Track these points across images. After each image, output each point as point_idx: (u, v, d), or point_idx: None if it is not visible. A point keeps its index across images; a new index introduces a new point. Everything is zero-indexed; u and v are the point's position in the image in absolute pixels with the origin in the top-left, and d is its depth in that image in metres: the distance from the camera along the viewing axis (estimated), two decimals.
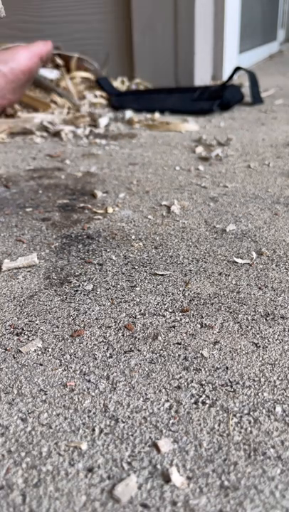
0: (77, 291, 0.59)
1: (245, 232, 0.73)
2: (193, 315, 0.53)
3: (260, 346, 0.48)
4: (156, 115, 1.53)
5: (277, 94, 1.91)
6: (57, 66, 1.73)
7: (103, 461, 0.36)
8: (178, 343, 0.48)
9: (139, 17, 1.92)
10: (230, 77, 1.73)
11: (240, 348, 0.47)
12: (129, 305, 0.55)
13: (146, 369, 0.45)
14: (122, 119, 1.51)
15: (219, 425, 0.38)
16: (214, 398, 0.41)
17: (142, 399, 0.41)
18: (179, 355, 0.47)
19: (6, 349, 0.48)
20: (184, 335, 0.50)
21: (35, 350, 0.48)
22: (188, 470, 0.35)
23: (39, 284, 0.60)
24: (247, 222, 0.76)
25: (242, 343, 0.48)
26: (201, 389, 0.42)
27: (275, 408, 0.40)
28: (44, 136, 1.36)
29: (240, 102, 1.69)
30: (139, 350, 0.48)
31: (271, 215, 0.78)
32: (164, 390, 0.42)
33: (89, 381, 0.44)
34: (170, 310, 0.54)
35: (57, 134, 1.36)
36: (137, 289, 0.59)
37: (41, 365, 0.46)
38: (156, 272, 0.62)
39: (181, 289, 0.58)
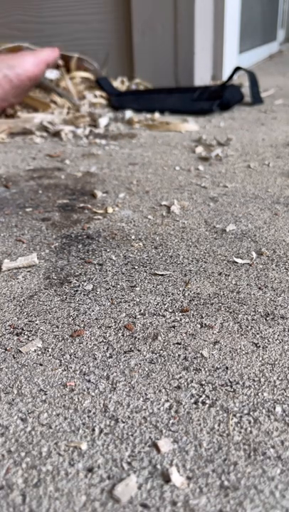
0: (77, 291, 0.59)
1: (245, 232, 0.73)
2: (193, 315, 0.53)
3: (260, 346, 0.48)
4: (156, 115, 1.53)
5: (277, 94, 1.91)
6: (57, 66, 1.73)
7: (103, 461, 0.36)
8: (178, 343, 0.48)
9: (139, 17, 1.92)
10: (230, 77, 1.73)
11: (240, 348, 0.47)
12: (129, 305, 0.55)
13: (146, 369, 0.45)
14: (122, 119, 1.51)
15: (219, 425, 0.38)
16: (214, 398, 0.41)
17: (141, 399, 0.41)
18: (179, 355, 0.47)
19: (6, 349, 0.48)
20: (184, 335, 0.50)
21: (35, 350, 0.48)
22: (188, 470, 0.35)
23: (39, 284, 0.60)
24: (247, 222, 0.76)
25: (242, 343, 0.48)
26: (201, 389, 0.42)
27: (275, 408, 0.40)
28: (44, 136, 1.36)
29: (240, 102, 1.69)
30: (139, 350, 0.48)
31: (271, 215, 0.78)
32: (164, 390, 0.42)
33: (89, 381, 0.44)
34: (170, 310, 0.54)
35: (57, 134, 1.36)
36: (137, 289, 0.59)
37: (41, 365, 0.46)
38: (156, 272, 0.62)
39: (181, 289, 0.58)
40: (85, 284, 0.60)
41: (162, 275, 0.62)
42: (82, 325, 0.52)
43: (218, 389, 0.42)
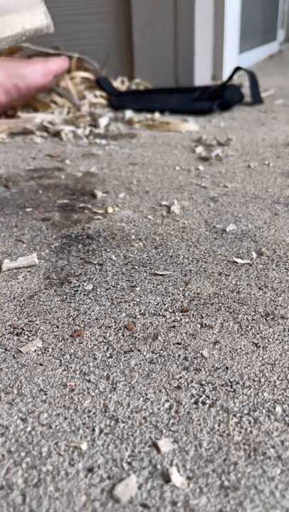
0: (77, 291, 0.59)
1: (245, 232, 0.73)
2: (193, 315, 0.53)
3: (260, 346, 0.48)
4: (156, 115, 1.53)
5: (277, 94, 1.91)
6: None
7: (103, 461, 0.36)
8: (178, 343, 0.48)
9: (139, 17, 1.92)
10: (230, 77, 1.73)
11: (240, 348, 0.47)
12: (129, 305, 0.55)
13: (146, 369, 0.45)
14: (122, 119, 1.51)
15: (219, 425, 0.38)
16: (214, 398, 0.41)
17: (142, 399, 0.41)
18: (179, 355, 0.47)
19: (6, 349, 0.48)
20: (184, 335, 0.50)
21: (35, 350, 0.48)
22: (188, 470, 0.35)
23: (39, 284, 0.60)
24: (247, 222, 0.76)
25: (242, 343, 0.48)
26: (201, 389, 0.42)
27: (275, 408, 0.40)
28: (44, 136, 1.36)
29: (240, 102, 1.69)
30: (139, 350, 0.48)
31: (271, 215, 0.78)
32: (164, 390, 0.42)
33: (89, 381, 0.44)
34: (170, 310, 0.54)
35: (57, 134, 1.36)
36: (137, 289, 0.59)
37: (41, 365, 0.46)
38: (156, 271, 0.62)
39: (181, 289, 0.58)
40: (85, 284, 0.60)
41: (162, 275, 0.62)
42: (82, 325, 0.52)
43: (218, 389, 0.42)
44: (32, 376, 0.45)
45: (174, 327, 0.51)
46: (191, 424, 0.39)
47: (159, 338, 0.49)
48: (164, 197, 0.88)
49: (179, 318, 0.53)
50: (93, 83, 1.78)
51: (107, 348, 0.48)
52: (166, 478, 0.34)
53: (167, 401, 0.41)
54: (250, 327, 0.51)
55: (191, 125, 1.41)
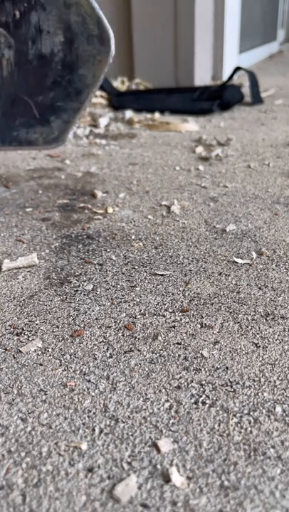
0: (77, 291, 0.59)
1: (245, 232, 0.73)
2: (193, 315, 0.53)
3: (260, 346, 0.48)
4: (156, 115, 1.53)
5: (277, 94, 1.91)
6: None
7: (103, 461, 0.36)
8: (178, 343, 0.48)
9: (139, 17, 1.92)
10: (230, 77, 1.73)
11: (240, 348, 0.47)
12: (129, 305, 0.55)
13: (146, 369, 0.45)
14: (122, 119, 1.51)
15: (219, 425, 0.38)
16: (214, 398, 0.41)
17: (142, 399, 0.41)
18: (179, 355, 0.47)
19: (6, 349, 0.48)
20: (184, 335, 0.50)
21: (35, 350, 0.48)
22: (188, 470, 0.35)
23: (39, 284, 0.60)
24: (247, 222, 0.76)
25: (242, 343, 0.48)
26: (201, 389, 0.42)
27: (275, 408, 0.40)
28: None
29: (240, 102, 1.69)
30: (139, 350, 0.48)
31: (271, 215, 0.78)
32: (164, 390, 0.42)
33: (89, 381, 0.44)
34: (170, 310, 0.54)
35: None
36: (137, 289, 0.59)
37: (41, 365, 0.46)
38: (156, 271, 0.62)
39: (181, 289, 0.58)
40: (85, 284, 0.60)
41: (162, 275, 0.62)
42: (82, 325, 0.52)
43: (218, 389, 0.42)
44: (32, 376, 0.45)
45: (174, 327, 0.51)
46: (191, 424, 0.39)
47: (159, 338, 0.49)
48: (164, 197, 0.88)
49: (179, 318, 0.53)
50: None
51: (107, 348, 0.48)
52: (166, 478, 0.34)
53: (167, 401, 0.41)
54: (250, 327, 0.51)
55: (191, 125, 1.41)
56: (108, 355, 0.47)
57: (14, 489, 0.34)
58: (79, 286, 0.60)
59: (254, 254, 0.65)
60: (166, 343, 0.48)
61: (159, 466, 0.35)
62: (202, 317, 0.53)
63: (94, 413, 0.40)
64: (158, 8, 1.88)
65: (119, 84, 1.91)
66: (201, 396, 0.41)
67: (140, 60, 1.99)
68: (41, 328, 0.52)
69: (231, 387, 0.42)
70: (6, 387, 0.43)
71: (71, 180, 0.99)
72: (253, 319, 0.52)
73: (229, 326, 0.51)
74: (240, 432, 0.38)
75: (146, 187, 0.93)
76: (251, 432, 0.38)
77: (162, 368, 0.45)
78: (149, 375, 0.44)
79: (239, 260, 0.64)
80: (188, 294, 0.57)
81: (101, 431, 0.38)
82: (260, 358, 0.46)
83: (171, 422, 0.39)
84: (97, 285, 0.60)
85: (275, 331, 0.50)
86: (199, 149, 1.17)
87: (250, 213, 0.79)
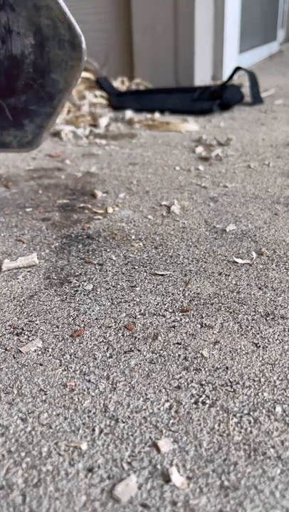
0: (77, 291, 0.59)
1: (245, 232, 0.73)
2: (193, 315, 0.53)
3: (260, 346, 0.48)
4: (156, 115, 1.53)
5: (277, 94, 1.91)
6: None
7: (103, 461, 0.36)
8: (178, 343, 0.48)
9: (139, 17, 1.92)
10: (230, 77, 1.73)
11: (240, 348, 0.47)
12: (129, 305, 0.55)
13: (146, 369, 0.45)
14: (122, 119, 1.51)
15: (219, 425, 0.38)
16: (214, 398, 0.41)
17: (142, 399, 0.41)
18: (179, 355, 0.47)
19: (6, 349, 0.48)
20: (184, 335, 0.50)
21: (35, 350, 0.48)
22: (188, 470, 0.35)
23: (39, 284, 0.60)
24: (247, 222, 0.76)
25: (242, 343, 0.48)
26: (201, 389, 0.42)
27: (275, 408, 0.40)
28: None
29: (240, 102, 1.69)
30: (139, 350, 0.48)
31: (271, 215, 0.78)
32: (164, 390, 0.42)
33: (89, 381, 0.44)
34: (170, 310, 0.54)
35: (57, 134, 1.36)
36: (137, 289, 0.59)
37: (41, 365, 0.46)
38: (156, 271, 0.62)
39: (181, 289, 0.58)
40: (85, 284, 0.60)
41: (162, 275, 0.62)
42: (82, 325, 0.52)
43: (218, 389, 0.42)
44: (32, 376, 0.45)
45: (174, 327, 0.51)
46: (191, 424, 0.39)
47: (159, 338, 0.49)
48: (164, 197, 0.88)
49: (179, 318, 0.53)
50: (93, 83, 1.78)
51: (107, 348, 0.48)
52: (166, 478, 0.34)
53: (167, 401, 0.41)
54: (250, 327, 0.51)
55: (191, 125, 1.41)
56: (108, 355, 0.47)
57: (14, 489, 0.34)
58: (79, 286, 0.60)
59: (254, 254, 0.65)
60: (166, 343, 0.48)
61: (159, 466, 0.35)
62: (202, 317, 0.53)
63: (94, 413, 0.40)
64: (158, 8, 1.88)
65: (119, 84, 1.91)
66: (201, 396, 0.41)
67: (140, 60, 1.99)
68: (41, 328, 0.52)
69: (231, 387, 0.42)
70: (6, 387, 0.43)
71: (71, 180, 0.99)
72: (253, 319, 0.52)
73: (229, 326, 0.51)
74: (240, 432, 0.38)
75: (146, 187, 0.93)
76: (251, 431, 0.38)
77: (162, 368, 0.45)
78: (149, 375, 0.44)
79: (239, 260, 0.64)
80: (188, 294, 0.57)
81: (101, 431, 0.38)
82: (260, 358, 0.46)
83: (171, 422, 0.39)
84: (97, 285, 0.60)
85: (275, 331, 0.50)
86: (199, 149, 1.17)
87: (250, 213, 0.79)
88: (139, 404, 0.41)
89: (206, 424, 0.39)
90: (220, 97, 1.60)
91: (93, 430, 0.38)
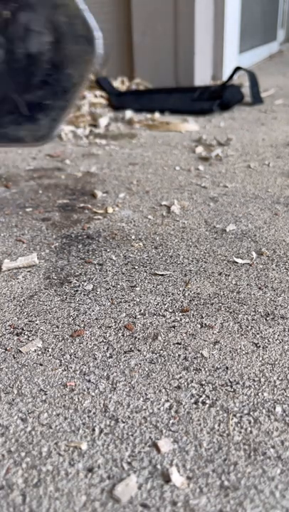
0: (77, 291, 0.59)
1: (245, 232, 0.73)
2: (193, 315, 0.53)
3: (260, 346, 0.48)
4: (156, 115, 1.53)
5: (277, 94, 1.91)
6: None
7: (103, 461, 0.36)
8: (178, 343, 0.48)
9: (139, 17, 1.92)
10: (230, 77, 1.73)
11: (240, 348, 0.47)
12: (129, 305, 0.55)
13: (146, 369, 0.45)
14: (122, 119, 1.51)
15: (219, 425, 0.38)
16: (214, 398, 0.41)
17: (142, 399, 0.41)
18: (179, 355, 0.47)
19: (6, 349, 0.48)
20: (184, 335, 0.50)
21: (35, 350, 0.48)
22: (189, 470, 0.35)
23: (39, 284, 0.60)
24: (247, 222, 0.76)
25: (242, 343, 0.48)
26: (201, 389, 0.42)
27: (275, 408, 0.40)
28: None
29: (240, 102, 1.69)
30: (139, 350, 0.48)
31: (271, 215, 0.78)
32: (164, 390, 0.42)
33: (89, 381, 0.44)
34: (170, 310, 0.54)
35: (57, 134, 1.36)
36: (137, 289, 0.59)
37: (41, 365, 0.46)
38: (156, 271, 0.62)
39: (181, 289, 0.58)
40: (85, 284, 0.60)
41: (162, 275, 0.62)
42: (82, 325, 0.52)
43: (218, 389, 0.42)
44: (32, 376, 0.45)
45: (174, 327, 0.51)
46: (191, 424, 0.39)
47: (159, 338, 0.49)
48: (164, 197, 0.88)
49: (179, 318, 0.53)
50: (93, 83, 1.78)
51: (107, 348, 0.48)
52: (166, 478, 0.34)
53: (167, 401, 0.41)
54: (250, 327, 0.51)
55: (191, 125, 1.41)
56: (108, 355, 0.47)
57: (14, 489, 0.34)
58: (79, 286, 0.60)
59: (254, 254, 0.65)
60: (166, 343, 0.48)
61: (159, 466, 0.35)
62: (202, 317, 0.53)
63: (94, 413, 0.40)
64: (158, 8, 1.88)
65: (119, 84, 1.91)
66: (201, 396, 0.42)
67: (140, 60, 1.99)
68: (41, 328, 0.52)
69: (231, 387, 0.42)
70: (6, 387, 0.43)
71: (71, 180, 0.99)
72: (253, 319, 0.52)
73: (229, 326, 0.51)
74: (240, 432, 0.38)
75: (146, 187, 0.93)
76: (251, 431, 0.38)
77: (162, 368, 0.45)
78: (149, 375, 0.44)
79: (239, 260, 0.64)
80: (188, 294, 0.57)
81: (101, 431, 0.38)
82: (260, 358, 0.46)
83: (171, 422, 0.39)
84: (97, 285, 0.60)
85: (275, 331, 0.50)
86: (199, 149, 1.17)
87: (250, 213, 0.79)
88: (139, 404, 0.41)
89: (206, 424, 0.39)
90: (220, 97, 1.60)
91: (93, 430, 0.38)
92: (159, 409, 0.40)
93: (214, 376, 0.44)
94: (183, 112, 1.58)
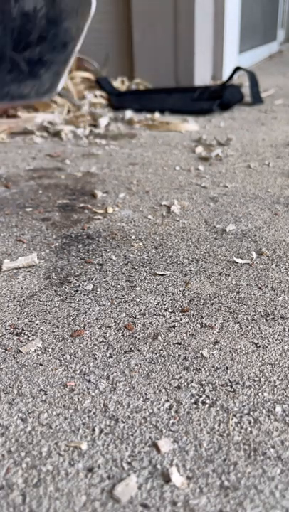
0: (77, 291, 0.59)
1: (245, 232, 0.73)
2: (193, 315, 0.53)
3: (260, 346, 0.48)
4: (156, 115, 1.53)
5: (277, 94, 1.91)
6: None
7: (103, 461, 0.36)
8: (178, 343, 0.48)
9: (139, 17, 1.92)
10: (230, 77, 1.73)
11: (240, 348, 0.47)
12: (129, 305, 0.55)
13: (146, 369, 0.45)
14: (122, 119, 1.51)
15: (219, 425, 0.38)
16: (214, 398, 0.41)
17: (142, 399, 0.41)
18: (179, 355, 0.47)
19: (6, 349, 0.48)
20: (184, 335, 0.50)
21: (35, 350, 0.48)
22: (188, 470, 0.35)
23: (39, 284, 0.60)
24: (247, 222, 0.76)
25: (242, 343, 0.48)
26: (201, 389, 0.42)
27: (275, 408, 0.40)
28: (44, 136, 1.36)
29: (240, 102, 1.69)
30: (139, 350, 0.48)
31: (271, 215, 0.78)
32: (164, 390, 0.42)
33: (89, 381, 0.44)
34: (170, 310, 0.54)
35: (57, 134, 1.36)
36: (137, 289, 0.59)
37: (41, 365, 0.46)
38: (156, 271, 0.62)
39: (181, 289, 0.58)
40: (85, 284, 0.60)
41: (162, 275, 0.62)
42: (82, 325, 0.52)
43: (218, 389, 0.42)
44: (32, 376, 0.45)
45: (174, 327, 0.51)
46: (191, 424, 0.39)
47: (159, 338, 0.49)
48: (164, 197, 0.88)
49: (179, 318, 0.53)
50: (93, 83, 1.78)
51: (107, 348, 0.48)
52: (166, 478, 0.34)
53: (167, 401, 0.41)
54: (250, 327, 0.51)
55: (191, 125, 1.41)
56: (108, 355, 0.47)
57: (14, 489, 0.34)
58: (79, 286, 0.60)
59: (254, 254, 0.65)
60: (166, 343, 0.48)
61: (159, 466, 0.35)
62: (202, 317, 0.53)
63: (94, 413, 0.40)
64: (158, 7, 1.88)
65: (119, 84, 1.91)
66: (201, 396, 0.41)
67: (140, 60, 1.99)
68: (41, 328, 0.52)
69: (231, 387, 0.42)
70: (6, 387, 0.43)
71: (71, 180, 0.99)
72: (253, 319, 0.52)
73: (229, 326, 0.51)
74: (240, 432, 0.38)
75: (146, 187, 0.93)
76: (251, 432, 0.38)
77: (162, 368, 0.45)
78: (149, 375, 0.44)
79: (239, 260, 0.64)
80: (188, 294, 0.57)
81: (101, 431, 0.38)
82: (260, 358, 0.46)
83: (171, 422, 0.39)
84: (97, 285, 0.60)
85: (275, 331, 0.50)
86: (199, 149, 1.17)
87: (250, 213, 0.79)
88: (139, 404, 0.41)
89: (206, 424, 0.39)
90: (220, 97, 1.60)
91: (93, 430, 0.38)
92: (159, 409, 0.40)
93: (214, 376, 0.44)
94: (183, 112, 1.58)
